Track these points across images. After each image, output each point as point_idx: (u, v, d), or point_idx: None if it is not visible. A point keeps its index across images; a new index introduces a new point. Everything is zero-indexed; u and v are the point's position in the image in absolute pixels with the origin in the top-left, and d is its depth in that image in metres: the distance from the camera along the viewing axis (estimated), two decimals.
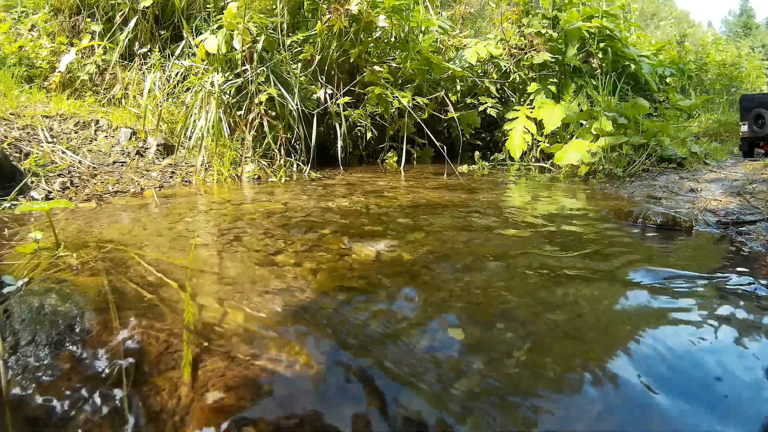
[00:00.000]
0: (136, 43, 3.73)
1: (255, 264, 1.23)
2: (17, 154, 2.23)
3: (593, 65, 4.06)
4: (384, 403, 0.74)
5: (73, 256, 1.21)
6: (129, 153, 2.74)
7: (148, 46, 3.71)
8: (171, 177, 2.64)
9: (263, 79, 3.09)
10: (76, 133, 2.73)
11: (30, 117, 2.60)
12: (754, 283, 1.16)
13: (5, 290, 0.99)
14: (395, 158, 3.81)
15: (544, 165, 3.87)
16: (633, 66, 4.32)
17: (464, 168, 3.67)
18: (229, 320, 0.94)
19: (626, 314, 1.00)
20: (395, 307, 1.00)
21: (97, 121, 2.92)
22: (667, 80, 5.29)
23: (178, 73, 3.46)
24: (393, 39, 3.94)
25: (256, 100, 3.02)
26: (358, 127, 3.73)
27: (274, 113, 3.15)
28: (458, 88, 4.40)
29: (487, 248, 1.42)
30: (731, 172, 3.15)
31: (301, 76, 3.32)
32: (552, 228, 1.70)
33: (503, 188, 2.83)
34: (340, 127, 3.45)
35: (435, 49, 4.28)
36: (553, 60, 4.03)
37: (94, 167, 2.44)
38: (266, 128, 3.07)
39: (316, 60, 3.38)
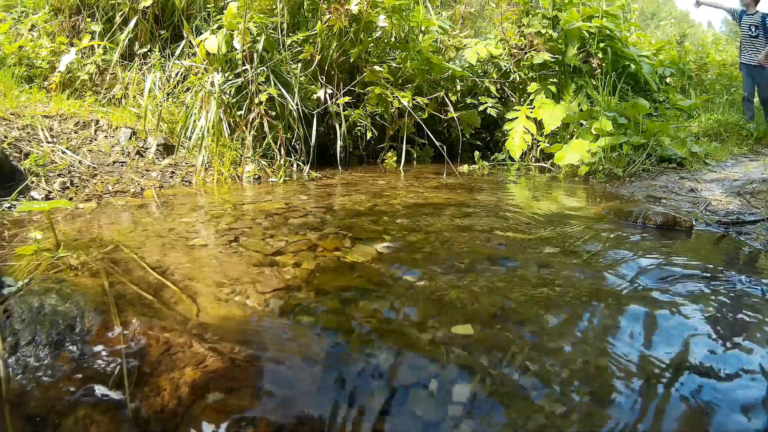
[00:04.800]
0: (136, 43, 3.72)
1: (255, 264, 1.23)
2: (17, 154, 2.23)
3: (593, 65, 4.06)
4: (385, 402, 0.74)
5: (73, 257, 1.21)
6: (129, 153, 2.74)
7: (148, 46, 3.71)
8: (171, 177, 2.64)
9: (263, 79, 3.09)
10: (76, 133, 2.73)
11: (30, 117, 2.60)
12: (755, 283, 1.16)
13: (5, 291, 0.99)
14: (395, 158, 3.80)
15: (544, 165, 3.87)
16: (633, 66, 4.32)
17: (464, 168, 3.66)
18: (230, 321, 0.94)
19: (624, 314, 1.00)
20: (396, 306, 1.00)
21: (97, 121, 2.91)
22: (667, 80, 5.29)
23: (178, 73, 3.45)
24: (393, 39, 3.93)
25: (256, 100, 3.02)
26: (358, 127, 3.72)
27: (274, 113, 3.14)
28: (458, 88, 4.39)
29: (487, 249, 1.42)
30: (731, 173, 3.15)
31: (301, 76, 3.32)
32: (552, 228, 1.69)
33: (503, 188, 2.83)
34: (340, 127, 3.45)
35: (435, 49, 4.27)
36: (553, 60, 4.03)
37: (94, 167, 2.44)
38: (266, 128, 3.07)
39: (316, 60, 3.38)
